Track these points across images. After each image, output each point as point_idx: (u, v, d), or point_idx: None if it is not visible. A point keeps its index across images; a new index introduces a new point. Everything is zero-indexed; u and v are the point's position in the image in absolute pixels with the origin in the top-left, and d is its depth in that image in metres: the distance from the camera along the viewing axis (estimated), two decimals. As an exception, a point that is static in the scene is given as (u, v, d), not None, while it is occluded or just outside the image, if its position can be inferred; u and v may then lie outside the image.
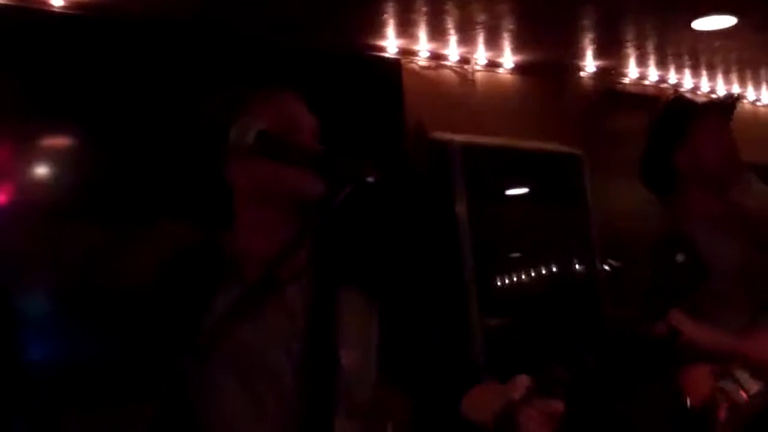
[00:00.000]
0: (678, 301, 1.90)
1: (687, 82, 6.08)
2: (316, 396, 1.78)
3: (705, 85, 6.20)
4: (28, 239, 3.41)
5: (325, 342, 1.81)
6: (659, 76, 5.86)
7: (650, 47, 5.38)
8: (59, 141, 3.70)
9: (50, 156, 3.64)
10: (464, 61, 5.05)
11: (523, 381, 1.69)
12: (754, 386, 2.75)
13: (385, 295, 1.92)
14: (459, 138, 4.53)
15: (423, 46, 4.80)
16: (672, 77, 5.95)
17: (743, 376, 2.76)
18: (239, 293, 1.73)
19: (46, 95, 3.54)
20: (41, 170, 3.64)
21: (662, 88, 5.96)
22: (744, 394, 2.72)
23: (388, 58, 4.61)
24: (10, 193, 3.50)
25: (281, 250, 1.70)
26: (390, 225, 3.76)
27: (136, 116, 3.65)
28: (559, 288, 4.67)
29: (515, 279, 4.55)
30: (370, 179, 1.55)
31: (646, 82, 5.85)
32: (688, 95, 5.53)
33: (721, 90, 6.32)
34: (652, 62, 5.65)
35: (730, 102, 3.31)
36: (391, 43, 4.66)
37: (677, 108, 3.22)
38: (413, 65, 4.83)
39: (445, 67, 5.00)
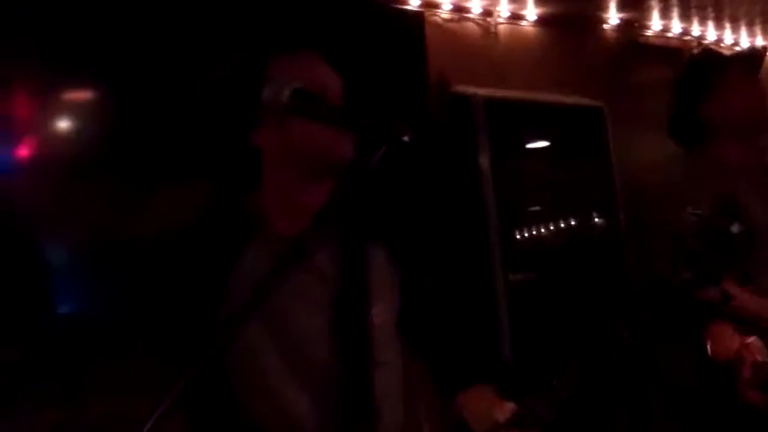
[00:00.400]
0: (731, 269, 1.91)
1: (710, 34, 6.01)
2: (351, 355, 1.80)
3: (729, 38, 6.13)
4: (53, 192, 3.43)
5: (357, 302, 1.83)
6: (683, 28, 5.79)
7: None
8: (83, 95, 3.70)
9: (74, 110, 3.63)
10: (487, 13, 5.00)
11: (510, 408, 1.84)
12: None
13: (407, 263, 1.93)
14: (482, 91, 4.49)
15: (446, -2, 4.77)
16: (695, 29, 5.89)
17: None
18: (268, 250, 1.75)
19: (70, 48, 3.52)
20: (64, 124, 3.64)
21: (686, 41, 5.89)
22: None
23: (410, 11, 4.57)
24: (34, 147, 3.51)
25: (315, 217, 1.61)
26: (415, 183, 3.76)
27: (161, 70, 3.62)
28: (582, 242, 4.67)
29: (538, 233, 4.54)
30: (405, 139, 1.54)
31: (670, 35, 5.78)
32: (713, 48, 5.46)
33: (745, 42, 6.25)
34: (675, 14, 5.59)
35: (758, 54, 3.26)
36: (414, -5, 4.63)
37: (704, 61, 3.18)
38: (436, 18, 4.78)
39: (468, 19, 4.95)
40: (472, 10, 4.94)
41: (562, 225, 4.64)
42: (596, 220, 4.77)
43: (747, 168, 3.04)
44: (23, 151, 3.49)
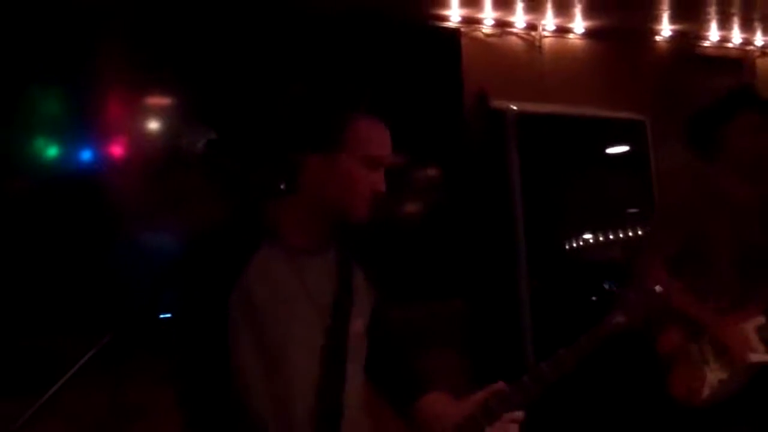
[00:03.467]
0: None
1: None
2: (331, 362, 2.00)
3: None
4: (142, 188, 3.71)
5: (342, 310, 2.04)
6: (743, 38, 5.69)
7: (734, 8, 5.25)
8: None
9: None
10: (532, 27, 5.07)
11: (499, 386, 2.00)
12: (715, 367, 2.87)
13: (380, 291, 2.15)
14: (517, 106, 4.58)
15: (488, 14, 4.86)
16: (759, 39, 5.76)
17: (708, 350, 2.96)
18: (281, 255, 1.96)
19: (158, 57, 3.80)
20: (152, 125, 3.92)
21: (747, 50, 5.78)
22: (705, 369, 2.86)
23: (446, 27, 4.69)
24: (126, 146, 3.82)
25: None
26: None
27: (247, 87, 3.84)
28: (617, 254, 4.69)
29: (571, 246, 4.60)
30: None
31: (729, 45, 5.69)
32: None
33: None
34: (736, 24, 5.50)
35: None
36: (454, 12, 4.75)
37: (716, 108, 3.31)
38: (477, 33, 4.89)
39: (512, 33, 5.04)
40: (516, 25, 5.02)
41: (598, 238, 4.68)
42: (635, 234, 4.77)
43: (745, 200, 3.17)
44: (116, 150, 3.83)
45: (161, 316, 3.46)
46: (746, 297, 3.06)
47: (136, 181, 3.66)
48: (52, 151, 3.69)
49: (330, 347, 2.00)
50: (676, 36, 5.48)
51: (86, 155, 3.72)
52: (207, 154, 3.57)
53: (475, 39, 4.88)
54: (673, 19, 5.29)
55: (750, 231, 3.16)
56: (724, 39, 5.64)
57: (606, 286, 4.53)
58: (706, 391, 2.91)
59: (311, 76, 2.08)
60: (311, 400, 1.95)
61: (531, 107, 4.66)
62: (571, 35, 5.22)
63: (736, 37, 5.67)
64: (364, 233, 2.12)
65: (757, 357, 2.85)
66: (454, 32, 4.70)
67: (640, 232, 4.75)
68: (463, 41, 4.77)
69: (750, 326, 3.02)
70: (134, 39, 3.71)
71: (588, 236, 4.68)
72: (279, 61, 3.97)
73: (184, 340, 1.98)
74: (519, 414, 1.99)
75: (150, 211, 3.61)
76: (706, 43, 5.62)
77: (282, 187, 1.97)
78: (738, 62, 5.67)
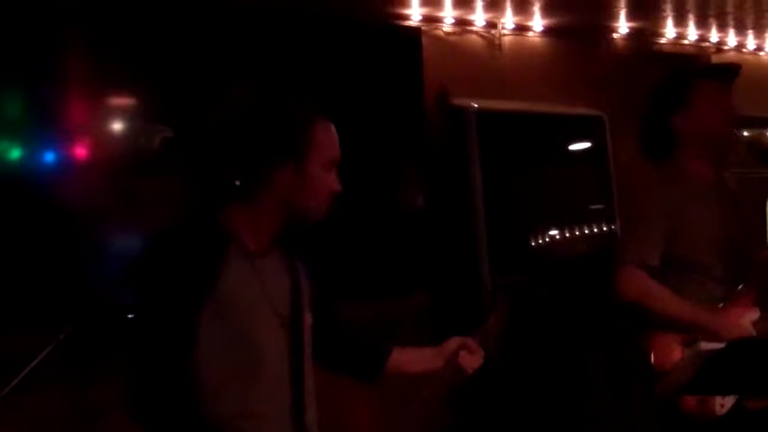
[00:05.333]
0: None
1: (731, 40, 5.99)
2: (295, 350, 2.06)
3: (751, 43, 6.10)
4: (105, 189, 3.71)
5: (298, 306, 2.10)
6: (699, 35, 5.79)
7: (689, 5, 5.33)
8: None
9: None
10: (491, 25, 5.13)
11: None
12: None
13: (318, 283, 2.24)
14: (477, 104, 4.64)
15: (448, 12, 4.92)
16: (714, 36, 5.88)
17: (708, 347, 2.82)
18: (240, 260, 1.99)
19: (121, 57, 3.79)
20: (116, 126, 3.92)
21: (703, 47, 5.90)
22: None
23: (406, 26, 4.74)
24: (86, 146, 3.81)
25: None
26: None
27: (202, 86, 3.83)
28: (579, 249, 4.77)
29: (533, 241, 4.66)
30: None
31: (685, 42, 5.80)
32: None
33: (769, 47, 6.22)
34: (691, 21, 5.60)
35: (732, 69, 3.34)
36: (415, 11, 4.79)
37: (679, 74, 3.30)
38: (438, 32, 4.94)
39: (471, 32, 5.09)
40: (476, 23, 5.08)
41: (559, 233, 4.74)
42: (592, 228, 4.85)
43: (705, 186, 3.15)
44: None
45: (128, 316, 3.48)
46: (734, 290, 3.03)
47: (95, 180, 3.66)
48: (14, 153, 3.69)
49: (293, 345, 2.05)
50: (633, 33, 5.57)
51: (47, 155, 3.72)
52: (162, 152, 3.59)
53: (436, 37, 4.93)
54: (630, 17, 5.38)
55: (727, 217, 3.13)
56: (680, 36, 5.74)
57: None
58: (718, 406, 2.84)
59: (271, 78, 2.08)
60: (283, 399, 2.01)
61: (491, 104, 4.72)
62: (530, 33, 5.29)
63: (692, 34, 5.77)
64: (305, 232, 2.16)
65: (708, 345, 2.83)
66: (415, 31, 4.74)
67: (607, 228, 4.81)
68: (424, 40, 4.82)
69: (746, 320, 2.97)
70: (94, 39, 3.71)
71: (549, 231, 4.75)
72: (238, 59, 3.98)
73: (146, 342, 1.97)
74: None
75: (110, 210, 3.62)
76: (663, 40, 5.72)
77: (237, 185, 2.00)
78: (693, 59, 5.78)
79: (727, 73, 3.29)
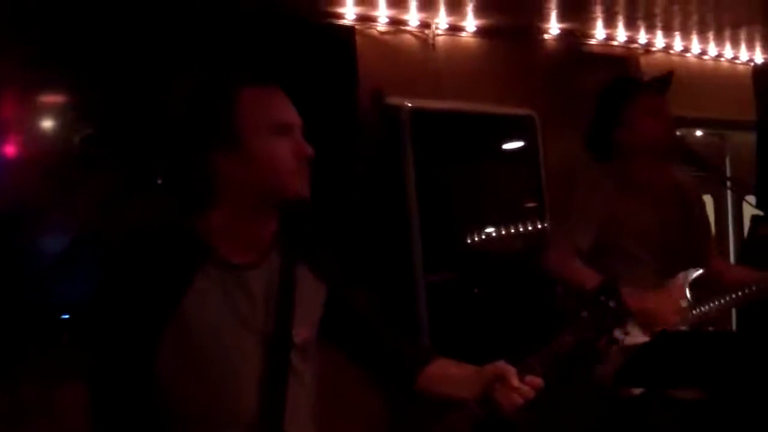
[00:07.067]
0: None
1: (659, 41, 6.12)
2: (273, 371, 1.93)
3: (678, 45, 6.24)
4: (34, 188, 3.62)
5: (283, 323, 1.95)
6: (628, 36, 5.90)
7: (619, 7, 5.43)
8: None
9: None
10: (425, 25, 5.16)
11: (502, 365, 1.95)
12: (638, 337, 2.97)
13: (331, 279, 2.10)
14: (410, 103, 4.67)
15: (382, 12, 4.93)
16: (642, 37, 5.99)
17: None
18: (217, 275, 1.86)
19: (50, 48, 3.68)
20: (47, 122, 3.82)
21: (632, 49, 6.01)
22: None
23: (340, 25, 4.73)
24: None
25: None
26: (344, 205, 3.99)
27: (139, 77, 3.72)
28: (510, 247, 4.83)
29: (465, 238, 4.72)
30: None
31: (615, 43, 5.90)
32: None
33: (696, 50, 6.37)
34: (620, 23, 5.70)
35: (666, 79, 3.51)
36: (349, 10, 4.79)
37: (617, 88, 3.49)
38: (372, 31, 4.95)
39: (405, 31, 5.11)
40: (410, 23, 5.10)
41: (492, 231, 4.80)
42: (523, 226, 4.91)
43: (644, 186, 3.33)
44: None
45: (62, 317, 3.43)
46: (666, 281, 3.19)
47: (22, 178, 3.59)
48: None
49: (271, 364, 1.93)
50: (564, 34, 5.66)
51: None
52: (83, 149, 3.52)
53: (370, 37, 4.93)
54: (561, 18, 5.45)
55: (663, 213, 3.31)
56: (610, 37, 5.84)
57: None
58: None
59: (189, 69, 2.01)
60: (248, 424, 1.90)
61: (425, 104, 4.76)
62: (463, 33, 5.32)
63: (621, 35, 5.88)
64: (305, 229, 2.07)
65: (631, 339, 2.92)
66: (349, 30, 4.74)
67: (538, 225, 4.89)
68: (358, 39, 4.82)
69: (671, 303, 3.16)
70: (20, 35, 3.63)
71: (483, 229, 4.80)
72: (163, 55, 3.90)
73: (103, 361, 1.89)
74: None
75: (36, 208, 3.55)
76: (593, 41, 5.82)
77: (159, 182, 1.93)
78: (622, 60, 5.89)
79: (661, 85, 3.49)
